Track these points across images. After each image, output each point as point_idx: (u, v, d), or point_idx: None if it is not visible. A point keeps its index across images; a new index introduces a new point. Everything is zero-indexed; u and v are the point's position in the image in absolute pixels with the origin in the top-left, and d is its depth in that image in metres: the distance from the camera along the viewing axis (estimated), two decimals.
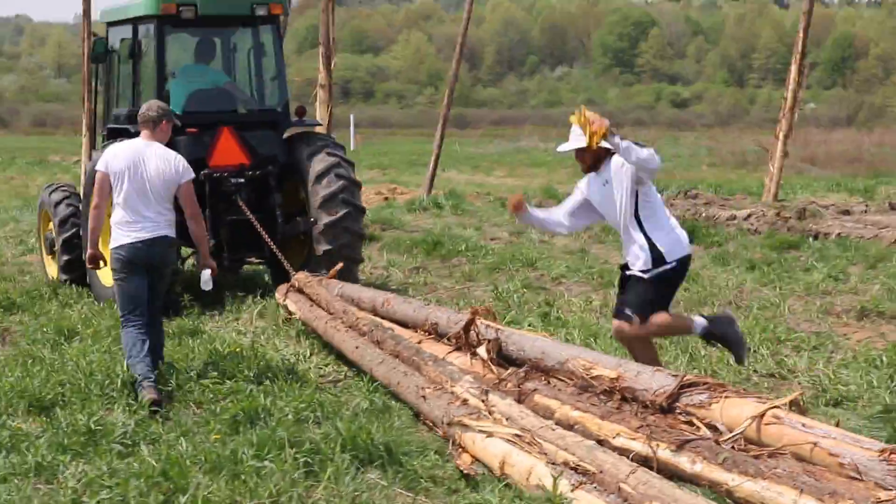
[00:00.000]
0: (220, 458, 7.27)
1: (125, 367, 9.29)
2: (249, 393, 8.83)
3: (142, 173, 9.32)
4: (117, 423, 8.10)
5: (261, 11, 13.78)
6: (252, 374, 9.40)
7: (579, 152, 8.57)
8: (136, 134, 9.95)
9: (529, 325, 11.42)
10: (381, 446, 7.41)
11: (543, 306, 12.63)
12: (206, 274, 9.76)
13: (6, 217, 22.92)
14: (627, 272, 8.63)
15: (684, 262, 8.65)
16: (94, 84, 15.56)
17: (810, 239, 18.20)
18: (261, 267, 15.07)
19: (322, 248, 13.19)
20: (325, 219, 13.17)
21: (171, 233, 9.51)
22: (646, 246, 8.46)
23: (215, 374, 9.44)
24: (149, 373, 9.05)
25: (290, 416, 8.24)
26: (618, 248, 17.56)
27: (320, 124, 15.31)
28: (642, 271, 8.46)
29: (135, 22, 13.90)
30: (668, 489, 5.85)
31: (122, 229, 9.34)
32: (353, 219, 13.34)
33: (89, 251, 9.71)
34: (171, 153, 9.57)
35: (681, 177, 34.60)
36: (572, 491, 6.10)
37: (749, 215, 20.75)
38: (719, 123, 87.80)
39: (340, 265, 12.41)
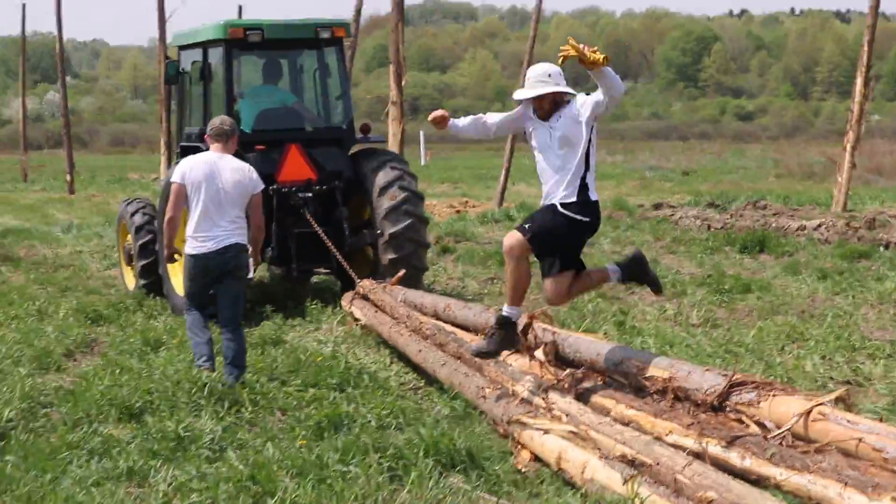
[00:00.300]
0: (306, 462, 7.40)
1: (212, 377, 9.55)
2: (333, 400, 8.97)
3: (217, 184, 9.77)
4: (205, 430, 8.26)
5: (325, 34, 14.25)
6: (334, 382, 9.54)
7: (540, 98, 8.70)
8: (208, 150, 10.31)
9: (605, 334, 11.47)
10: (463, 451, 7.50)
11: (618, 315, 12.68)
12: (250, 261, 10.22)
13: (90, 233, 23.33)
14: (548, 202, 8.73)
15: (597, 216, 8.87)
16: (169, 104, 15.79)
17: (881, 248, 18.07)
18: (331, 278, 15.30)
19: (388, 257, 13.54)
20: (389, 229, 13.51)
21: (243, 240, 9.92)
22: (578, 183, 8.62)
23: (298, 381, 9.61)
24: (207, 352, 9.85)
25: (372, 423, 8.36)
26: (689, 257, 17.65)
27: (384, 140, 15.62)
28: (563, 204, 8.58)
29: (204, 45, 14.41)
30: (723, 480, 6.08)
31: (197, 239, 9.79)
32: (416, 229, 13.71)
33: (166, 250, 10.22)
34: (245, 164, 10.07)
35: (748, 188, 34.43)
36: (623, 484, 6.37)
37: (819, 225, 20.64)
38: (784, 136, 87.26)
39: (403, 272, 12.84)
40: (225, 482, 7.06)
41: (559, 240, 8.69)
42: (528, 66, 27.88)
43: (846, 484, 5.81)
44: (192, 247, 9.82)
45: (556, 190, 8.63)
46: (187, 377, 9.59)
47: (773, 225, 21.52)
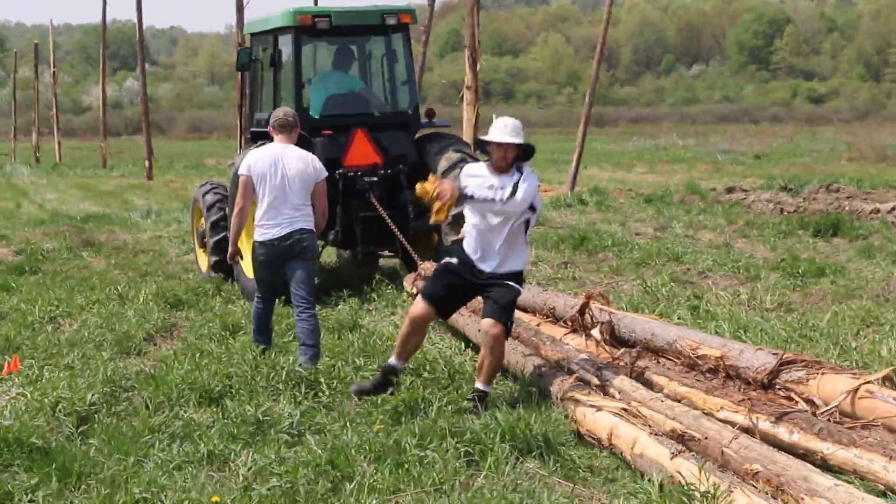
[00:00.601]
0: (383, 447, 7.50)
1: (291, 361, 9.75)
2: (409, 385, 9.04)
3: (282, 173, 10.12)
4: (283, 414, 8.37)
5: (391, 21, 14.51)
6: (411, 366, 9.61)
7: (508, 147, 8.80)
8: None
9: (679, 319, 11.49)
10: (539, 436, 7.57)
11: (692, 300, 12.65)
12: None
13: (168, 218, 23.67)
14: (490, 274, 8.87)
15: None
16: (243, 91, 16.01)
17: None
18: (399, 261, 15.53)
19: (450, 238, 13.45)
20: (453, 210, 13.28)
21: (309, 225, 10.25)
22: (522, 256, 9.03)
23: (374, 366, 9.68)
24: (263, 343, 10.36)
25: (449, 408, 8.40)
26: (762, 241, 17.56)
27: (448, 125, 15.61)
28: (514, 275, 8.87)
29: (275, 33, 14.67)
30: (768, 452, 6.37)
31: (263, 227, 10.18)
32: None
33: (230, 249, 10.58)
34: (308, 154, 10.40)
35: (821, 171, 34.13)
36: (671, 459, 6.65)
37: (893, 208, 20.42)
38: (857, 118, 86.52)
39: None
40: (304, 466, 7.17)
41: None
42: (602, 49, 27.92)
43: (891, 458, 6.20)
44: (259, 234, 10.22)
45: (504, 265, 8.96)
46: (265, 361, 9.75)
47: (847, 208, 21.37)
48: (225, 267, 14.49)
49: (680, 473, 6.50)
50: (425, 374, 9.48)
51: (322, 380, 9.33)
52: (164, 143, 76.73)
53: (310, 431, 8.10)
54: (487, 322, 8.68)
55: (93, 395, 8.96)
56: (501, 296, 8.77)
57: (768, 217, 20.92)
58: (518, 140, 8.78)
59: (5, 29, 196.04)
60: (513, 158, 8.84)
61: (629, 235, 18.91)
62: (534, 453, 7.49)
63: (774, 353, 7.73)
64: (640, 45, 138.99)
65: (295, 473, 7.05)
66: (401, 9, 14.82)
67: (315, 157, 10.44)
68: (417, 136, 14.88)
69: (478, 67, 20.88)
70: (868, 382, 6.96)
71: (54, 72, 61.15)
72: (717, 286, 13.86)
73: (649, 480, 6.79)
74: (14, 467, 7.47)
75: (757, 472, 6.22)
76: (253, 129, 15.06)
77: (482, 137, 8.96)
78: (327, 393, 9.12)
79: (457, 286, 9.05)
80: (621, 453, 7.32)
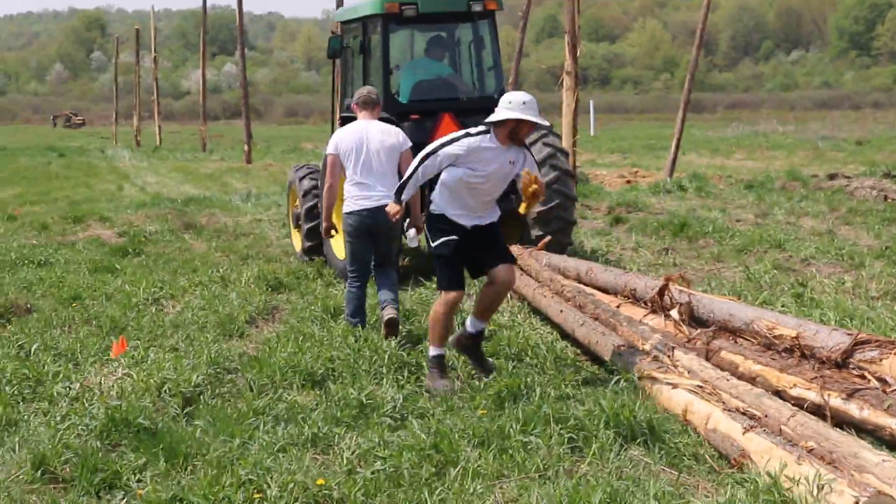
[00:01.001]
0: (487, 432, 7.47)
1: (391, 345, 9.77)
2: (512, 370, 9.02)
3: (367, 147, 10.78)
4: (386, 398, 8.38)
5: (477, 7, 14.61)
6: (513, 352, 9.60)
7: (519, 124, 9.05)
8: None
9: (783, 307, 11.35)
10: (643, 423, 7.48)
11: (796, 287, 12.48)
12: (412, 232, 10.83)
13: (268, 202, 23.89)
14: (484, 226, 9.39)
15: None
16: (334, 77, 16.48)
17: None
18: None
19: (535, 233, 13.85)
20: (538, 207, 13.21)
21: None
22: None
23: None
24: (357, 322, 10.75)
25: (552, 394, 8.39)
26: (866, 228, 17.31)
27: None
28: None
29: (363, 21, 14.94)
30: (822, 430, 6.59)
31: (352, 200, 10.80)
32: (564, 208, 14.20)
33: (324, 224, 11.31)
34: (392, 127, 11.10)
35: None
36: (743, 434, 6.86)
37: None
38: None
39: (549, 238, 13.48)
40: (408, 450, 7.16)
41: None
42: (702, 35, 27.67)
43: None
44: (348, 206, 10.82)
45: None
46: (367, 345, 9.77)
47: None
48: (318, 251, 15.04)
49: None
50: (527, 360, 9.46)
51: (424, 364, 9.33)
52: (261, 127, 77.47)
53: (413, 415, 8.10)
54: (507, 268, 9.23)
55: (197, 376, 9.03)
56: (501, 239, 9.53)
57: (872, 204, 20.60)
58: (543, 120, 9.17)
59: (107, 14, 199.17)
60: (524, 135, 9.24)
61: (730, 222, 18.73)
62: (638, 440, 7.40)
63: (849, 334, 7.91)
64: (738, 30, 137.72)
65: (399, 457, 7.06)
66: None
67: (398, 129, 11.12)
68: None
69: (577, 53, 20.77)
70: None
71: (155, 57, 61.91)
72: (820, 274, 13.68)
73: (756, 473, 6.71)
74: (122, 447, 7.56)
75: (812, 449, 6.40)
76: (343, 115, 15.26)
77: (506, 116, 9.03)
78: None
79: (461, 256, 9.30)
80: (695, 429, 7.51)
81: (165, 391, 8.71)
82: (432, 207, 9.34)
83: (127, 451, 7.43)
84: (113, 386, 8.91)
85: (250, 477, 6.79)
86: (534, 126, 9.12)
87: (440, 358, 9.19)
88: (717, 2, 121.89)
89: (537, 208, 13.20)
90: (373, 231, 10.76)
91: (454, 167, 9.15)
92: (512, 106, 8.98)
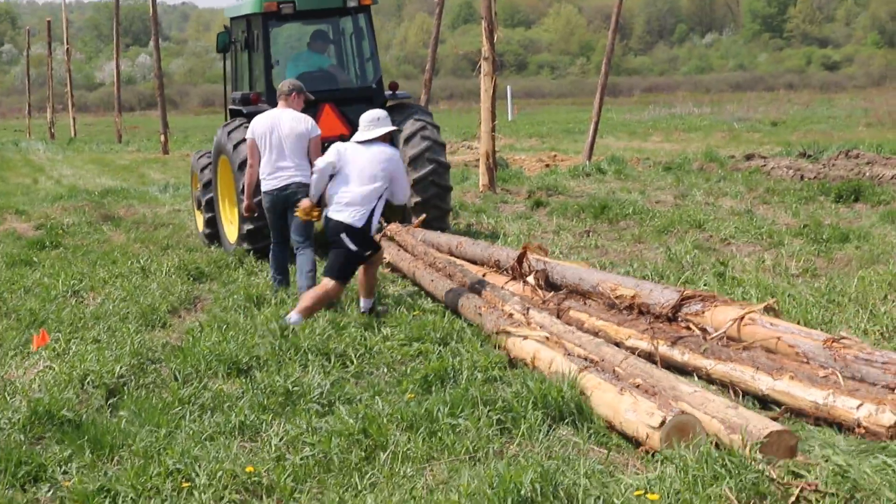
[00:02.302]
0: (415, 416, 7.46)
1: (318, 331, 9.71)
2: (439, 354, 9.02)
3: (278, 133, 11.91)
4: (313, 384, 8.34)
5: (352, 3, 15.71)
6: (438, 336, 9.60)
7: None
8: (249, 116, 13.29)
9: (705, 286, 11.44)
10: (571, 403, 7.49)
11: (717, 266, 12.58)
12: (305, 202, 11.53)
13: (186, 192, 23.66)
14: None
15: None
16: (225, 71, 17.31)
17: None
18: None
19: (414, 200, 14.94)
20: (413, 175, 14.87)
21: (305, 180, 11.74)
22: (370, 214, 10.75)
23: (402, 336, 9.69)
24: (280, 280, 12.17)
25: (479, 376, 8.40)
26: (784, 207, 17.52)
27: (409, 97, 16.47)
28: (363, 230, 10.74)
29: (247, 17, 15.89)
30: (648, 369, 7.83)
31: (266, 179, 11.99)
32: (438, 174, 15.23)
33: (245, 202, 12.59)
34: (302, 115, 12.15)
35: (839, 137, 33.95)
36: (579, 372, 7.76)
37: None
38: (872, 84, 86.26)
39: (424, 216, 14.47)
40: (337, 436, 7.14)
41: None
42: (618, 19, 27.81)
43: (758, 368, 7.76)
44: (263, 186, 12.01)
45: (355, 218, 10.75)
46: (292, 332, 9.72)
47: (867, 174, 21.26)
48: (215, 233, 16.09)
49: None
50: (453, 343, 9.47)
51: (350, 350, 9.30)
52: (177, 117, 76.83)
53: (340, 401, 8.06)
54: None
55: (121, 367, 8.96)
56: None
57: (789, 184, 20.84)
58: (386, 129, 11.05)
59: (17, 7, 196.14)
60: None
61: (650, 204, 18.85)
62: (566, 420, 7.42)
63: (678, 291, 9.20)
64: (653, 14, 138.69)
65: (328, 443, 7.03)
66: None
67: (309, 118, 12.20)
68: (388, 106, 15.66)
69: (494, 39, 20.78)
70: (751, 312, 8.41)
71: (67, 48, 61.14)
72: (741, 253, 13.82)
73: (685, 447, 6.75)
74: (46, 439, 7.48)
75: (639, 384, 7.42)
76: (230, 107, 16.32)
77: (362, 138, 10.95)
78: (356, 363, 9.09)
79: None
80: (541, 371, 8.28)
81: (89, 383, 8.65)
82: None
83: (51, 444, 7.36)
84: (35, 379, 8.84)
85: (178, 466, 6.74)
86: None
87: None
88: None
89: (413, 176, 14.81)
90: (284, 206, 11.90)
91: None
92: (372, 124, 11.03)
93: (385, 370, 8.98)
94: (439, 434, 7.19)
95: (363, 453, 6.97)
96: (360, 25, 16.06)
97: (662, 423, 6.72)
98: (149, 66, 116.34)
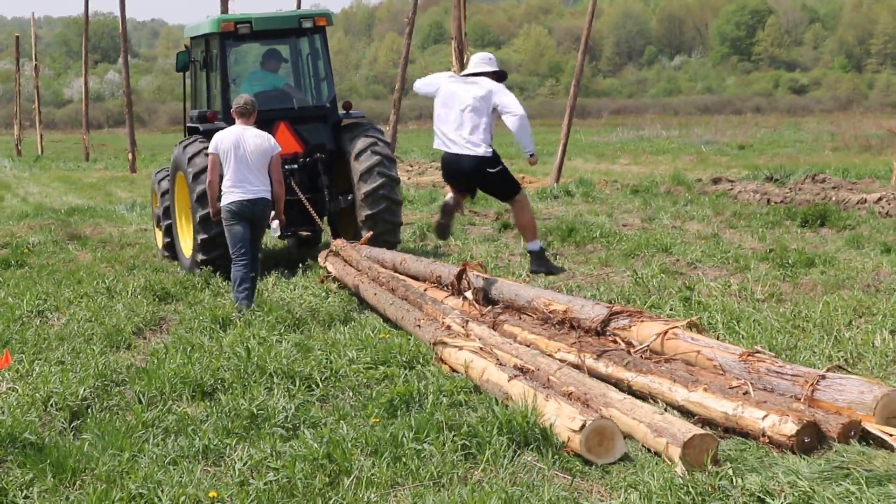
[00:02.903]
0: (380, 441, 7.44)
1: (280, 354, 9.65)
2: (404, 378, 9.01)
3: (243, 149, 12.46)
4: (278, 408, 8.31)
5: (307, 24, 16.23)
6: (404, 360, 9.58)
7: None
8: (206, 133, 14.33)
9: (671, 310, 11.48)
10: (536, 429, 7.50)
11: (684, 290, 12.61)
12: (276, 224, 13.38)
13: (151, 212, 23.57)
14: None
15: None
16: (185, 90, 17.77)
17: None
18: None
19: (364, 213, 15.40)
20: (364, 189, 15.39)
21: (268, 195, 12.59)
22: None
23: (367, 359, 9.66)
24: (245, 304, 12.24)
25: (444, 401, 8.39)
26: (750, 232, 17.62)
27: (363, 116, 16.98)
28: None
29: (206, 38, 16.38)
30: (580, 378, 8.36)
31: (231, 191, 12.48)
32: (389, 188, 15.57)
33: (211, 210, 13.00)
34: (264, 133, 12.76)
35: (805, 161, 34.12)
36: (508, 381, 8.29)
37: (879, 198, 20.37)
38: (839, 108, 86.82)
39: (370, 234, 14.71)
40: (301, 460, 7.10)
41: None
42: (587, 41, 27.93)
43: (675, 381, 8.23)
44: (227, 198, 12.49)
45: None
46: (257, 355, 9.68)
47: (833, 198, 21.36)
48: (172, 250, 16.42)
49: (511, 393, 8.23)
50: (419, 367, 9.46)
51: (315, 374, 9.28)
52: (146, 135, 76.63)
53: (305, 425, 8.04)
54: None
55: (84, 389, 8.92)
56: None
57: (755, 208, 20.93)
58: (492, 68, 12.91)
59: None
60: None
61: (617, 227, 18.90)
62: (531, 446, 7.41)
63: (607, 307, 9.68)
64: (622, 36, 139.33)
65: (292, 468, 7.00)
66: (316, 13, 16.58)
67: (270, 136, 12.85)
68: (342, 125, 16.45)
69: (464, 59, 20.85)
70: (675, 327, 8.93)
71: (36, 65, 60.86)
72: (707, 277, 13.82)
73: (650, 474, 6.77)
74: (7, 463, 7.43)
75: (571, 392, 7.98)
76: (188, 124, 16.75)
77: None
78: (321, 386, 9.07)
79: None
80: (474, 381, 8.81)
81: (52, 405, 8.60)
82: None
83: (13, 467, 7.31)
84: None
85: (141, 491, 6.71)
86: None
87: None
88: (601, 8, 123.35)
89: (363, 189, 15.40)
90: (247, 218, 12.50)
91: None
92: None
93: (350, 394, 8.96)
94: (404, 459, 7.17)
95: (327, 478, 6.94)
96: (315, 46, 16.58)
97: (583, 426, 7.23)
98: (117, 83, 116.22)
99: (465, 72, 13.13)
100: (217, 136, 12.70)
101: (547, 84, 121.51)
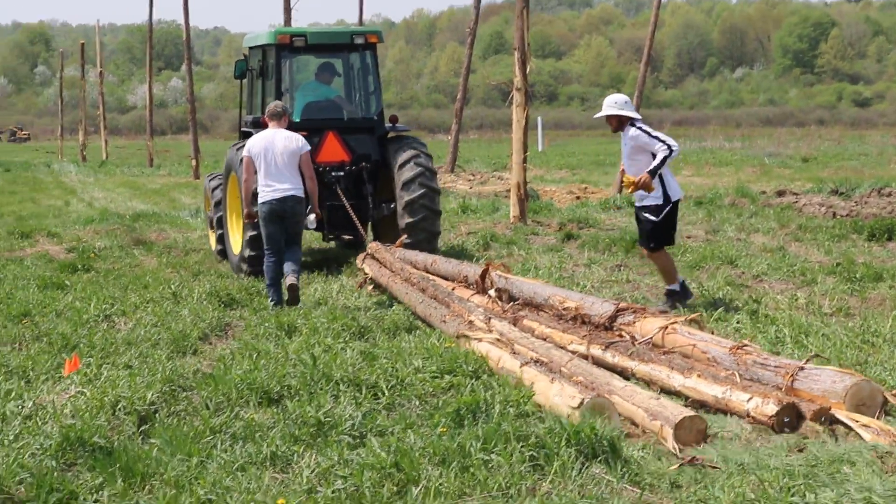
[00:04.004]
0: (448, 450, 7.39)
1: (346, 361, 9.67)
2: (470, 387, 8.98)
3: (272, 151, 13.44)
4: (345, 415, 8.28)
5: (359, 40, 17.17)
6: (470, 369, 9.55)
7: (608, 118, 12.98)
8: None
9: (738, 324, 11.40)
10: (605, 441, 7.43)
11: (750, 304, 12.52)
12: (312, 217, 14.04)
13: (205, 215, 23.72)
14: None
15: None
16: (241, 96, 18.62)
17: None
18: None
19: (404, 221, 16.21)
20: (405, 198, 16.21)
21: (299, 193, 13.49)
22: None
23: (434, 368, 9.61)
24: (277, 299, 13.28)
25: (511, 411, 8.34)
26: (816, 245, 17.45)
27: (408, 130, 17.69)
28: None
29: (263, 48, 17.36)
30: (588, 367, 9.25)
31: (263, 190, 13.46)
32: (429, 198, 16.35)
33: (245, 210, 13.97)
34: (294, 134, 13.71)
35: (870, 175, 33.73)
36: (520, 367, 9.12)
37: None
38: None
39: (404, 237, 15.52)
40: (368, 469, 7.08)
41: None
42: (650, 51, 27.85)
43: (672, 369, 9.16)
44: (260, 197, 13.46)
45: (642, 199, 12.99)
46: (324, 362, 9.68)
47: None
48: (226, 252, 17.25)
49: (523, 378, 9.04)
50: (485, 377, 9.42)
51: (381, 382, 9.26)
52: (208, 141, 77.00)
53: (372, 433, 8.00)
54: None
55: (152, 394, 8.94)
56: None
57: (821, 221, 20.72)
58: (607, 112, 12.96)
59: (51, 29, 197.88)
60: (616, 124, 13.06)
61: (681, 238, 18.75)
62: (599, 458, 7.35)
63: (614, 304, 10.60)
64: (683, 47, 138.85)
65: (359, 476, 6.98)
66: (368, 30, 17.53)
67: (299, 136, 13.72)
68: (388, 137, 17.26)
69: (527, 70, 20.80)
70: (675, 323, 9.83)
71: (100, 71, 61.52)
72: (773, 290, 13.72)
73: (719, 487, 6.71)
74: (77, 466, 7.47)
75: (580, 381, 8.71)
76: (242, 129, 17.82)
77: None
78: (387, 395, 9.03)
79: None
80: (491, 367, 9.61)
81: (120, 409, 8.63)
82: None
83: (83, 471, 7.34)
84: (66, 404, 8.81)
85: (209, 497, 6.73)
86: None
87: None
88: (663, 19, 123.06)
89: (405, 198, 16.20)
90: (281, 216, 13.41)
91: None
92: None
93: (417, 402, 8.91)
94: (472, 469, 7.13)
95: (395, 487, 6.92)
96: (366, 61, 17.48)
97: (581, 403, 8.02)
98: (180, 90, 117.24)
99: (597, 115, 13.41)
100: (250, 140, 13.80)
101: (608, 94, 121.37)
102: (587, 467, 7.25)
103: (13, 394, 9.18)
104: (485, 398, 8.55)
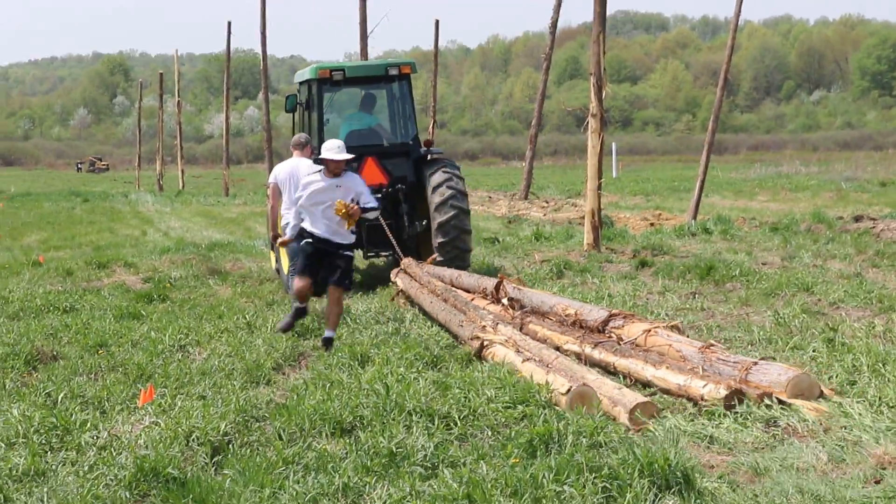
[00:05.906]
0: (520, 481, 7.37)
1: (419, 391, 9.64)
2: (543, 418, 8.94)
3: (297, 177, 14.39)
4: (417, 446, 8.28)
5: (393, 72, 18.64)
6: (543, 399, 9.51)
7: (341, 162, 13.12)
8: None
9: (814, 352, 11.28)
10: (678, 472, 7.38)
11: (827, 331, 12.37)
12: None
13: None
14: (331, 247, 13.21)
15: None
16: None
17: None
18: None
19: (438, 240, 17.60)
20: (438, 219, 17.55)
21: None
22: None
23: (506, 398, 9.58)
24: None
25: (584, 441, 8.30)
26: (895, 271, 17.18)
27: (442, 153, 18.99)
28: (351, 246, 13.44)
29: (308, 83, 19.04)
30: (569, 363, 10.58)
31: (286, 213, 14.97)
32: (460, 219, 17.70)
33: (271, 233, 15.62)
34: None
35: None
36: (521, 362, 10.67)
37: None
38: None
39: (436, 255, 17.23)
40: (440, 500, 7.08)
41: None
42: (726, 75, 27.70)
43: (647, 362, 10.58)
44: (284, 220, 14.91)
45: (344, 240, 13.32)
46: (396, 392, 9.68)
47: None
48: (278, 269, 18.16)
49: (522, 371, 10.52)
50: (557, 407, 9.38)
51: (454, 412, 9.24)
52: None
53: (444, 464, 8.00)
54: (336, 289, 13.08)
55: (225, 424, 9.01)
56: (346, 264, 13.27)
57: None
58: (347, 156, 13.15)
59: (130, 59, 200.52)
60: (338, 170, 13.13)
61: (756, 265, 18.61)
62: (673, 489, 7.30)
63: (607, 310, 12.24)
64: (760, 70, 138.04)
65: None
66: (402, 62, 19.01)
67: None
68: (424, 160, 18.56)
69: (603, 95, 20.75)
70: (657, 327, 11.39)
71: (178, 101, 62.17)
72: (850, 318, 13.53)
73: None
74: (151, 497, 7.53)
75: (564, 373, 10.04)
76: None
77: (323, 157, 13.07)
78: (459, 425, 9.01)
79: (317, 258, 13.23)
80: (497, 364, 10.94)
81: (194, 440, 8.69)
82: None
83: (156, 502, 7.41)
84: (140, 435, 8.89)
85: None
86: (340, 162, 13.02)
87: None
88: (740, 42, 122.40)
89: (438, 219, 17.40)
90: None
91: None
92: (327, 149, 13.02)
93: (489, 433, 8.88)
94: (544, 501, 7.12)
95: None
96: (403, 91, 19.07)
97: (568, 390, 9.47)
98: (256, 119, 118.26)
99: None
100: (276, 168, 15.55)
101: (683, 119, 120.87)
102: (660, 499, 7.21)
103: (88, 424, 9.27)
104: (557, 428, 8.51)
